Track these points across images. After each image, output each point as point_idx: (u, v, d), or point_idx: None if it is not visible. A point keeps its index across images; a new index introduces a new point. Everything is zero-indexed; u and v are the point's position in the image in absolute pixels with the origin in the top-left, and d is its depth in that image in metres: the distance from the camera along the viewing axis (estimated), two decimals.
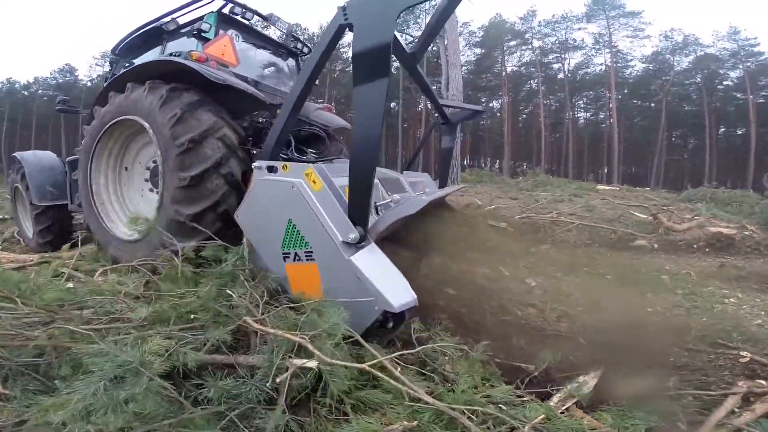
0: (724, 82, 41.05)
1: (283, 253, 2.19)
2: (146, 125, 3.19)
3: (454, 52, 13.79)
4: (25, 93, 53.60)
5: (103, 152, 3.74)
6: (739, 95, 39.97)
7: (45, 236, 4.75)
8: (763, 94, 38.17)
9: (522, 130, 50.32)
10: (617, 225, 6.64)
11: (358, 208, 2.06)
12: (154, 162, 3.59)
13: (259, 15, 4.39)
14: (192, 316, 1.89)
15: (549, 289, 2.95)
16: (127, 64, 4.48)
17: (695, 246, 5.93)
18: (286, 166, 2.29)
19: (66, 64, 57.02)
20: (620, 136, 39.36)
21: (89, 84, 51.05)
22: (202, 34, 3.74)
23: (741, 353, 2.07)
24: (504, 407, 1.40)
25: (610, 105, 41.41)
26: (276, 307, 1.98)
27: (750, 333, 2.50)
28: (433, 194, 3.42)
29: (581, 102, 48.58)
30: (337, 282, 2.02)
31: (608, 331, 2.25)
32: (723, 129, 42.27)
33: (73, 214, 4.85)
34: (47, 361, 1.68)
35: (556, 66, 46.15)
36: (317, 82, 5.13)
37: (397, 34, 2.51)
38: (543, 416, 1.29)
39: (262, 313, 1.87)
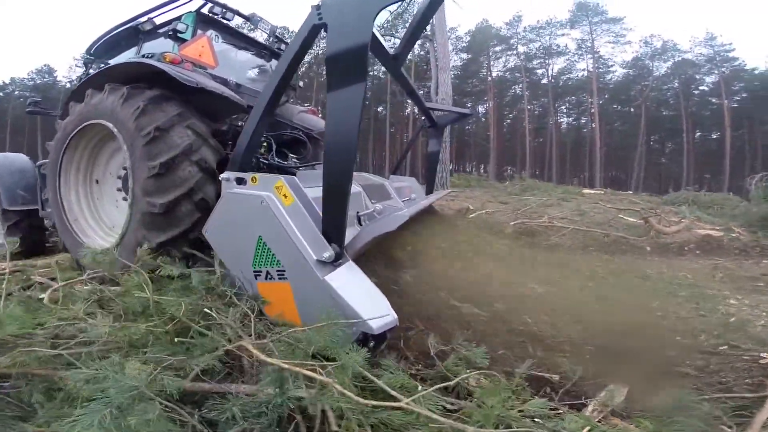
0: (700, 87, 42.45)
1: (255, 272, 2.03)
2: (110, 125, 3.05)
3: (443, 56, 13.86)
4: (1, 94, 51.94)
5: (70, 167, 3.58)
6: (714, 100, 41.39)
7: (20, 243, 4.48)
8: (737, 98, 39.58)
9: (506, 134, 51.05)
10: (608, 228, 6.73)
11: (332, 224, 1.92)
12: (125, 169, 3.40)
13: (241, 15, 4.25)
14: (176, 339, 1.72)
15: (556, 295, 2.93)
16: (102, 65, 4.27)
17: (686, 248, 6.04)
18: (255, 179, 2.12)
19: (44, 65, 55.64)
20: (602, 140, 40.26)
21: (68, 85, 49.70)
22: (179, 34, 3.61)
23: (761, 354, 2.08)
24: (540, 421, 1.35)
25: (592, 110, 42.37)
26: (267, 324, 1.85)
27: (756, 334, 2.52)
28: (416, 206, 3.30)
29: (563, 107, 49.58)
30: (313, 303, 1.85)
31: (622, 336, 2.24)
32: (699, 133, 43.63)
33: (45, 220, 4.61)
34: (16, 386, 1.55)
35: (539, 71, 47.06)
36: (301, 84, 5.05)
37: (379, 36, 2.41)
38: (586, 428, 1.25)
39: (257, 335, 1.73)
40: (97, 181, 3.70)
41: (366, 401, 1.35)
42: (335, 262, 1.89)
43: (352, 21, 1.82)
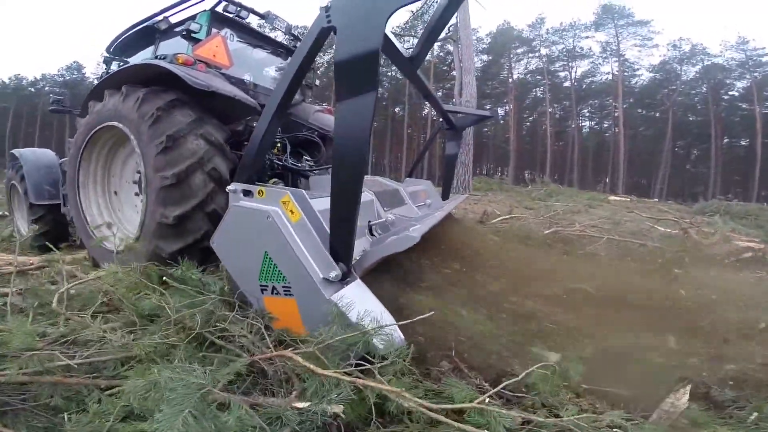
0: (730, 92, 41.12)
1: (261, 286, 1.99)
2: (126, 129, 3.09)
3: (467, 57, 13.74)
4: (32, 90, 53.75)
5: (89, 165, 3.64)
6: (744, 105, 40.04)
7: (42, 239, 4.56)
8: None
9: (525, 137, 50.37)
10: (642, 238, 6.53)
11: (340, 242, 1.85)
12: (139, 172, 3.45)
13: (256, 13, 4.19)
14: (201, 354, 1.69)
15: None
16: (121, 63, 4.35)
17: (726, 261, 5.82)
18: (262, 191, 2.07)
19: (74, 61, 57.37)
20: (626, 145, 39.37)
21: (96, 81, 51.16)
22: (192, 34, 3.57)
23: None
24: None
25: (616, 114, 41.46)
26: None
27: None
28: (430, 218, 3.11)
29: (585, 111, 48.65)
30: (319, 321, 1.80)
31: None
32: (726, 140, 42.26)
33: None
34: (35, 392, 1.49)
35: (562, 74, 46.32)
36: (318, 83, 4.96)
37: (393, 38, 2.35)
38: None
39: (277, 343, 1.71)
40: (116, 193, 3.76)
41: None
42: (343, 280, 1.86)
43: (362, 25, 1.72)
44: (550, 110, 45.56)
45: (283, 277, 1.93)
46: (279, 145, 3.87)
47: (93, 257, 3.50)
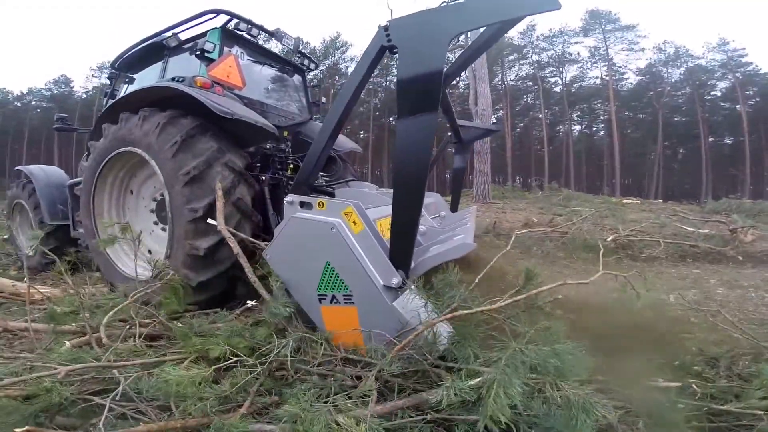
0: (712, 93, 42.38)
1: (319, 296, 2.05)
2: (146, 155, 3.07)
3: (481, 66, 13.92)
4: (18, 104, 52.52)
5: (103, 206, 3.61)
6: (726, 105, 41.32)
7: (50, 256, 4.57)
8: (750, 103, 39.48)
9: (516, 143, 51.06)
10: (684, 239, 6.66)
11: (400, 251, 1.95)
12: (155, 200, 3.48)
13: (266, 31, 4.14)
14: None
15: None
16: (126, 80, 4.33)
17: None
18: (323, 204, 2.13)
19: (61, 75, 56.23)
20: (621, 148, 40.17)
21: (84, 96, 50.37)
22: (206, 54, 3.48)
23: None
24: None
25: (607, 117, 42.32)
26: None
27: None
28: (467, 228, 3.19)
29: (574, 115, 49.61)
30: (378, 327, 1.93)
31: None
32: (711, 139, 43.46)
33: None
34: None
35: (552, 80, 47.23)
36: (324, 100, 4.88)
37: None
38: None
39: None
40: (128, 207, 3.71)
41: None
42: (402, 287, 1.94)
43: (424, 45, 1.77)
44: (541, 116, 46.32)
45: (345, 286, 2.00)
46: (291, 166, 3.87)
47: (111, 282, 3.44)
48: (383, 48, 1.96)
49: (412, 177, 1.88)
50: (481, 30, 2.36)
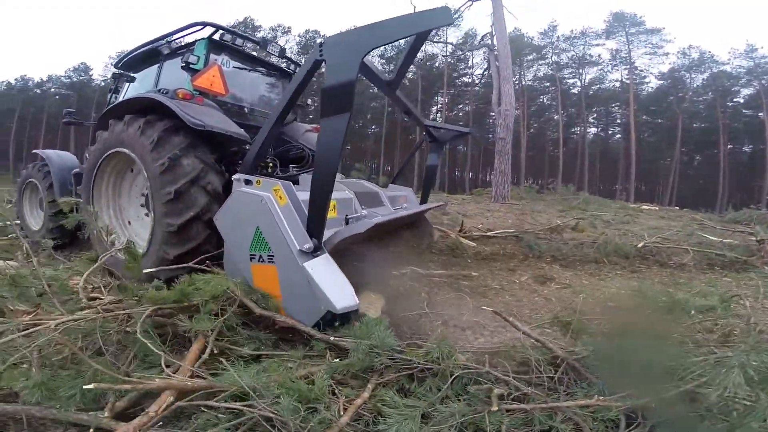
0: (734, 99, 41.51)
1: (250, 254, 2.56)
2: (132, 154, 3.54)
3: (505, 67, 13.84)
4: (38, 91, 53.34)
5: (101, 198, 4.07)
6: (747, 112, 40.42)
7: (57, 233, 5.05)
8: None
9: (531, 144, 50.61)
10: (707, 248, 6.63)
11: (314, 223, 2.41)
12: (144, 194, 3.94)
13: (251, 40, 4.56)
14: None
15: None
16: (126, 80, 4.79)
17: None
18: (260, 181, 2.65)
19: (81, 63, 57.06)
20: (638, 154, 39.59)
21: (102, 84, 50.93)
22: (191, 65, 3.89)
23: None
24: None
25: (625, 121, 41.66)
26: None
27: None
28: (393, 215, 3.82)
29: (591, 118, 49.00)
30: (292, 283, 2.41)
31: None
32: (730, 146, 42.62)
33: None
34: None
35: (570, 81, 46.64)
36: (309, 102, 5.63)
37: (373, 67, 2.95)
38: None
39: None
40: (129, 223, 4.18)
41: None
42: (314, 252, 2.39)
43: (344, 60, 2.20)
44: (556, 117, 45.84)
45: (269, 247, 2.50)
46: (271, 165, 4.23)
47: (109, 269, 3.73)
48: (317, 61, 2.40)
49: (327, 163, 2.33)
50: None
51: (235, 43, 4.34)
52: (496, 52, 14.81)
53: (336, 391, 1.70)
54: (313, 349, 2.20)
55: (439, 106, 48.71)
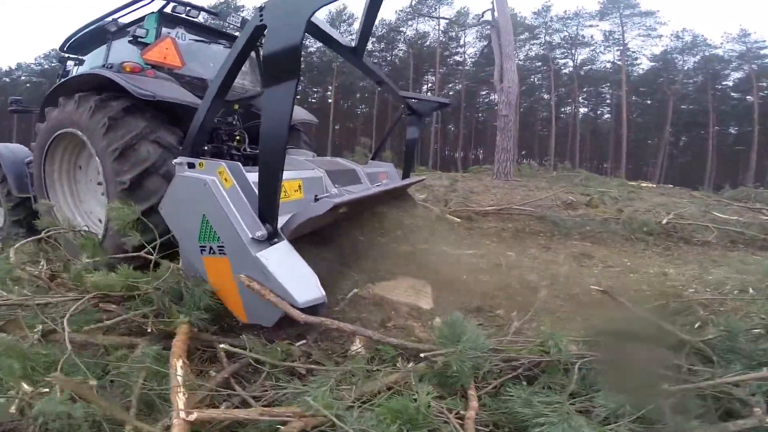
0: (723, 83, 41.89)
1: (200, 246, 2.26)
2: (84, 136, 3.26)
3: (508, 44, 13.54)
4: (7, 80, 50.65)
5: (54, 182, 3.82)
6: (735, 95, 40.89)
7: (19, 226, 4.80)
8: (762, 94, 39.05)
9: (521, 123, 50.50)
10: (731, 226, 6.61)
11: (266, 206, 2.12)
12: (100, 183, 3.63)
13: (207, 11, 4.28)
14: None
15: None
16: (75, 62, 4.51)
17: None
18: (203, 164, 2.36)
19: (51, 50, 53.94)
20: (629, 133, 39.89)
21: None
22: (139, 39, 3.59)
23: None
24: None
25: (616, 101, 41.81)
26: None
27: None
28: (363, 192, 3.45)
29: (581, 98, 49.02)
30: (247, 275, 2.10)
31: None
32: (717, 128, 43.16)
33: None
34: None
35: (562, 61, 46.37)
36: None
37: (335, 34, 2.70)
38: None
39: None
40: (79, 181, 3.93)
41: None
42: (269, 240, 2.11)
43: (287, 24, 1.95)
44: (547, 96, 45.71)
45: (218, 237, 2.19)
46: (238, 138, 3.99)
47: (66, 254, 3.53)
48: (258, 27, 2.13)
49: (275, 137, 2.05)
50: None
51: (190, 15, 4.00)
52: (495, 28, 14.42)
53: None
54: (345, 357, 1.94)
55: (430, 84, 48.03)
